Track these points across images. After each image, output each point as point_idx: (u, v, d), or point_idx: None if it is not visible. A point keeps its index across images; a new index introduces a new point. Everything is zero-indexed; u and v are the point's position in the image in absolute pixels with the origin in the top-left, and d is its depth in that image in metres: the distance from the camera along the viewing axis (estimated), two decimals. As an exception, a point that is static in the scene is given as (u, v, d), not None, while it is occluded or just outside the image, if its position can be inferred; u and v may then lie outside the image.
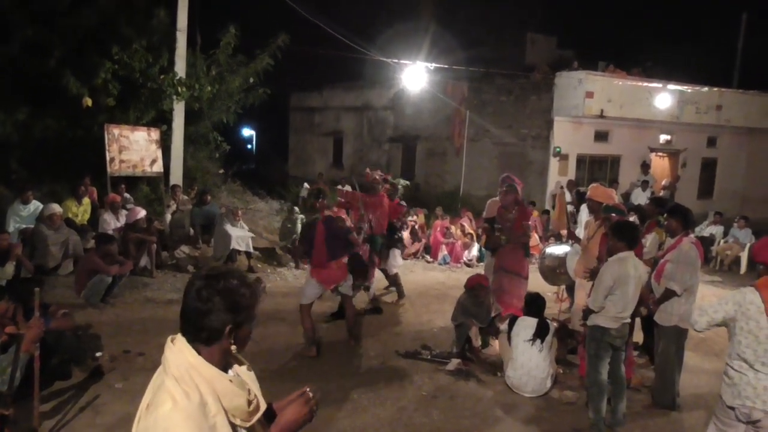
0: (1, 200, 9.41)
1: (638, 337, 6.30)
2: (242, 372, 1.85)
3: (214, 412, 1.66)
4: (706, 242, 11.90)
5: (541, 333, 5.49)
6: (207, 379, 1.68)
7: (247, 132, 31.27)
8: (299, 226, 10.96)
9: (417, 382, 5.71)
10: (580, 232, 7.60)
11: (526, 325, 5.56)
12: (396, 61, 16.03)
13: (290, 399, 1.93)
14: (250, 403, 1.75)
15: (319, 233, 6.24)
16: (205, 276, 1.76)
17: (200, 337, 1.72)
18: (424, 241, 12.31)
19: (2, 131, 10.16)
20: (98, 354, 5.73)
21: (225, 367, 1.77)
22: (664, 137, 17.45)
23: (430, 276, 10.80)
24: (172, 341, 1.75)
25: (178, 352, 1.71)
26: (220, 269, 1.80)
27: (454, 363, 6.05)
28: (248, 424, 1.75)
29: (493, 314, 6.56)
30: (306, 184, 16.55)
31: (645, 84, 16.03)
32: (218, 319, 1.71)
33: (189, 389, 1.65)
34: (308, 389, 1.89)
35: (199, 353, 1.71)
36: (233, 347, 1.79)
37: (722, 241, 13.07)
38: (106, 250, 7.48)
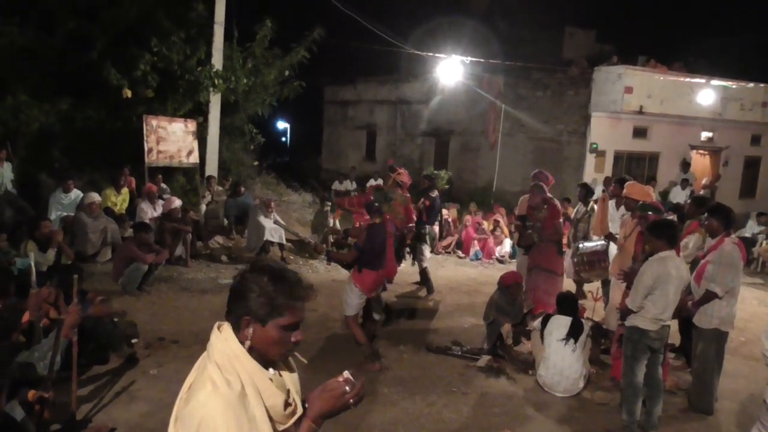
0: (44, 188, 9.69)
1: (675, 338, 6.15)
2: (284, 373, 1.83)
3: (254, 405, 1.65)
4: (747, 243, 11.55)
5: (574, 332, 5.40)
6: (249, 371, 1.67)
7: (282, 125, 31.51)
8: (331, 220, 11.01)
9: (447, 377, 5.68)
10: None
11: (560, 323, 5.47)
12: (431, 54, 15.94)
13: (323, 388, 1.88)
14: (287, 405, 1.73)
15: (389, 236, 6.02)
16: (254, 265, 1.79)
17: (229, 319, 1.74)
18: (455, 236, 12.24)
19: (46, 121, 10.46)
20: (134, 340, 5.84)
21: (265, 364, 1.74)
22: (705, 134, 16.95)
23: (462, 272, 10.73)
24: (218, 328, 1.76)
25: (224, 340, 1.71)
26: (268, 264, 1.80)
27: (484, 359, 6.00)
28: (283, 427, 1.73)
29: (525, 311, 6.49)
30: (337, 182, 16.65)
31: (687, 79, 15.60)
32: (241, 304, 1.72)
33: (231, 377, 1.65)
34: (346, 374, 1.79)
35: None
36: (247, 343, 1.70)
37: (765, 242, 12.67)
38: (143, 239, 7.62)
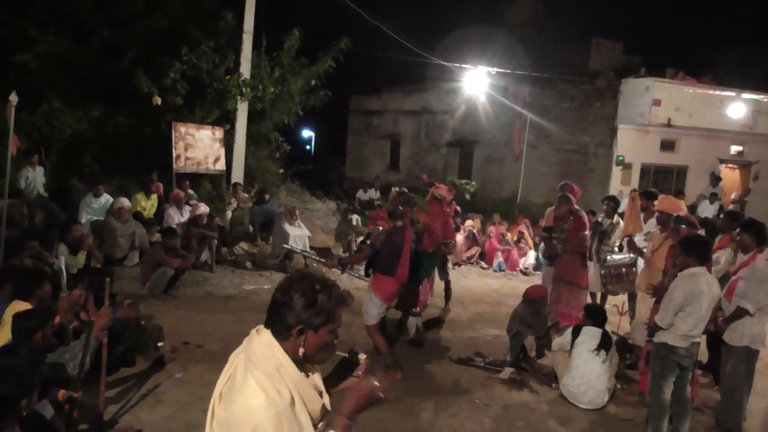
0: (75, 193, 9.89)
1: (703, 355, 6.04)
2: (310, 373, 1.89)
3: (300, 411, 1.72)
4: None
5: (605, 344, 5.35)
6: (294, 380, 1.73)
7: (307, 133, 31.75)
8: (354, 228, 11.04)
9: (469, 389, 5.65)
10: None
11: (593, 335, 5.43)
12: (457, 65, 15.95)
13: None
14: (323, 407, 1.81)
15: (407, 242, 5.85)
16: (295, 275, 1.86)
17: (276, 328, 1.79)
18: (479, 247, 12.17)
19: (78, 127, 10.71)
20: (160, 344, 5.92)
21: (301, 370, 1.81)
22: (735, 148, 16.64)
23: (485, 283, 10.67)
24: (257, 332, 1.81)
25: (267, 347, 1.76)
26: (310, 273, 1.88)
27: (507, 372, 5.96)
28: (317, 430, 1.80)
29: (549, 324, 6.44)
30: (361, 191, 16.65)
31: (716, 92, 15.37)
32: (292, 314, 1.77)
33: (281, 387, 1.70)
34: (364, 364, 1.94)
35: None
36: (301, 350, 1.78)
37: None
38: (170, 244, 7.74)
